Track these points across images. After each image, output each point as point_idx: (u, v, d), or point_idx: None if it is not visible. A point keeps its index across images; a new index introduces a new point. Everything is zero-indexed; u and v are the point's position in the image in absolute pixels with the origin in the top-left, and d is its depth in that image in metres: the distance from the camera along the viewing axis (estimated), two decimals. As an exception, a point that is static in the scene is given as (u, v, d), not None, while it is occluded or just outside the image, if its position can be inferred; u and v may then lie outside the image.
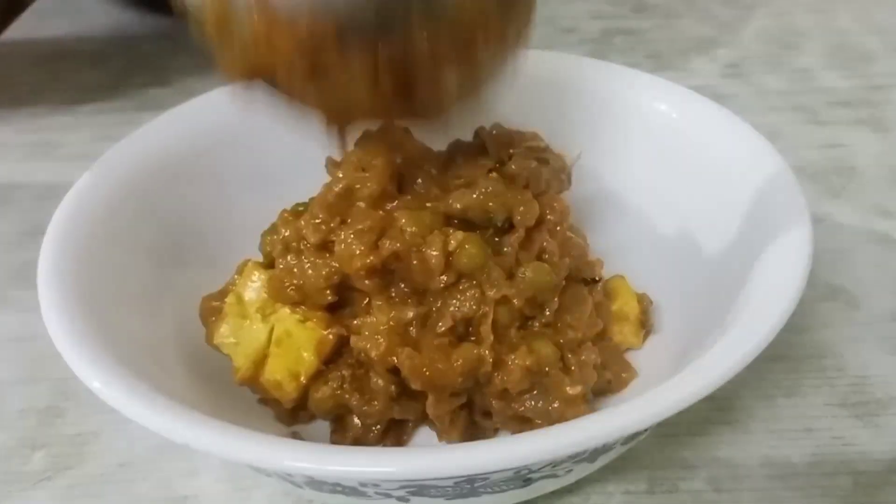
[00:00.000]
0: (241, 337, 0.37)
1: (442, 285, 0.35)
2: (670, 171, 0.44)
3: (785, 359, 0.42)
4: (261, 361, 0.37)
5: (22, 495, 0.38)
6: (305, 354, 0.36)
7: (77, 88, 0.69)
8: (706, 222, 0.41)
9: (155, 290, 0.39)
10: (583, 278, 0.39)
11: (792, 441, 0.38)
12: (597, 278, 0.40)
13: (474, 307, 0.35)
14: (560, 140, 0.41)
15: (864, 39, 0.71)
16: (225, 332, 0.37)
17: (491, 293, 0.35)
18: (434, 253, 0.34)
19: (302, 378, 0.36)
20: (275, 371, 0.36)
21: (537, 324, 0.36)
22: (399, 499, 0.31)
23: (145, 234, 0.40)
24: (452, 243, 0.35)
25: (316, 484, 0.31)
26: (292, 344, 0.36)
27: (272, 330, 0.37)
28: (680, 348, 0.38)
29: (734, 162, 0.40)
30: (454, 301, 0.35)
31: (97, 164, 0.40)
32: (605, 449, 0.32)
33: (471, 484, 0.30)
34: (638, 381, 0.39)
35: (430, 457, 0.27)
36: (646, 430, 0.33)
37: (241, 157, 0.44)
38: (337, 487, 0.31)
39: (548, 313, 0.36)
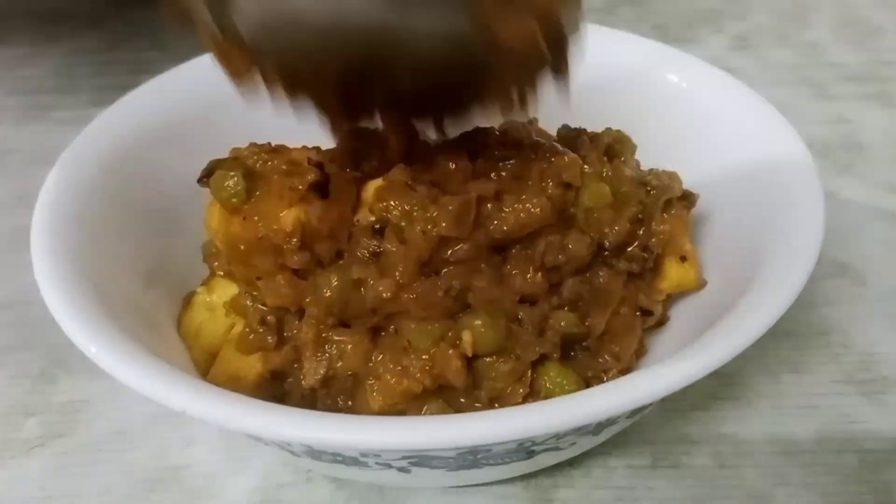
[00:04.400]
0: (202, 329, 0.36)
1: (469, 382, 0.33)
2: (680, 144, 0.43)
3: (791, 335, 0.42)
4: (215, 354, 0.36)
5: (14, 462, 0.37)
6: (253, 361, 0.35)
7: (72, 52, 0.68)
8: (717, 197, 0.40)
9: (151, 255, 0.38)
10: (640, 307, 0.37)
11: (797, 418, 0.38)
12: (654, 312, 0.38)
13: (510, 380, 0.33)
14: (569, 109, 0.40)
15: (873, 14, 0.70)
16: (188, 323, 0.36)
17: (526, 357, 0.33)
18: (457, 363, 0.32)
19: (244, 385, 0.34)
20: (218, 374, 0.35)
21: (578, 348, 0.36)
22: (400, 469, 0.31)
23: (141, 198, 0.39)
24: (465, 344, 0.33)
25: (315, 453, 0.30)
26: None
27: (231, 327, 0.36)
28: (689, 323, 0.37)
29: (748, 136, 0.39)
30: (488, 382, 0.34)
31: (90, 126, 0.39)
32: (609, 422, 0.32)
33: (473, 455, 0.30)
34: (646, 357, 0.38)
35: (432, 427, 0.27)
36: (650, 405, 0.32)
37: (238, 120, 0.43)
38: (337, 457, 0.30)
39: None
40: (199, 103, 0.43)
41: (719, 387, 0.39)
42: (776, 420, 0.38)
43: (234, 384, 0.34)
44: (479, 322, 0.33)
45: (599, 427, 0.31)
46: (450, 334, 0.33)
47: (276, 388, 0.35)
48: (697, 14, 0.71)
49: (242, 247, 0.34)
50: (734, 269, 0.36)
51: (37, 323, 0.42)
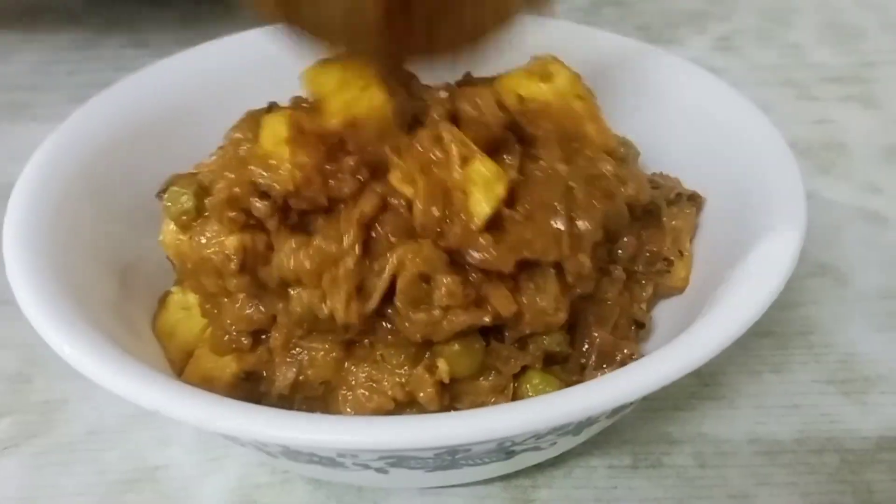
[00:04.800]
0: (177, 329, 0.36)
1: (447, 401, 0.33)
2: (662, 143, 0.43)
3: (772, 335, 0.42)
4: (190, 354, 0.35)
5: (-13, 463, 0.37)
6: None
7: (52, 48, 0.67)
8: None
9: (126, 254, 0.37)
10: (634, 320, 0.37)
11: (778, 417, 0.38)
12: (645, 324, 0.38)
13: (491, 395, 0.33)
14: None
15: (856, 15, 0.70)
16: (163, 322, 0.36)
17: (507, 371, 0.33)
18: (429, 391, 0.32)
19: (218, 385, 0.34)
20: (192, 374, 0.35)
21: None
22: (377, 470, 0.30)
23: (116, 196, 0.38)
24: (441, 372, 0.32)
25: (291, 454, 0.30)
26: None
27: (206, 327, 0.35)
28: (670, 323, 0.37)
29: (730, 136, 0.39)
30: (467, 397, 0.33)
31: (66, 123, 0.39)
32: (589, 422, 0.31)
33: (452, 456, 0.29)
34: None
35: (409, 428, 0.26)
36: (631, 404, 0.32)
37: (218, 117, 0.42)
38: (313, 458, 0.30)
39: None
40: (177, 100, 0.42)
41: (700, 386, 0.39)
42: (757, 420, 0.38)
43: (208, 384, 0.33)
44: (455, 349, 0.32)
45: (580, 427, 0.31)
46: (427, 356, 0.32)
47: (251, 388, 0.34)
48: (681, 15, 0.71)
49: (190, 265, 0.34)
50: (715, 269, 0.36)
51: (11, 322, 0.42)
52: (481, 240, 0.31)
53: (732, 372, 0.40)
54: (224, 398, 0.28)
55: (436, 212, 0.31)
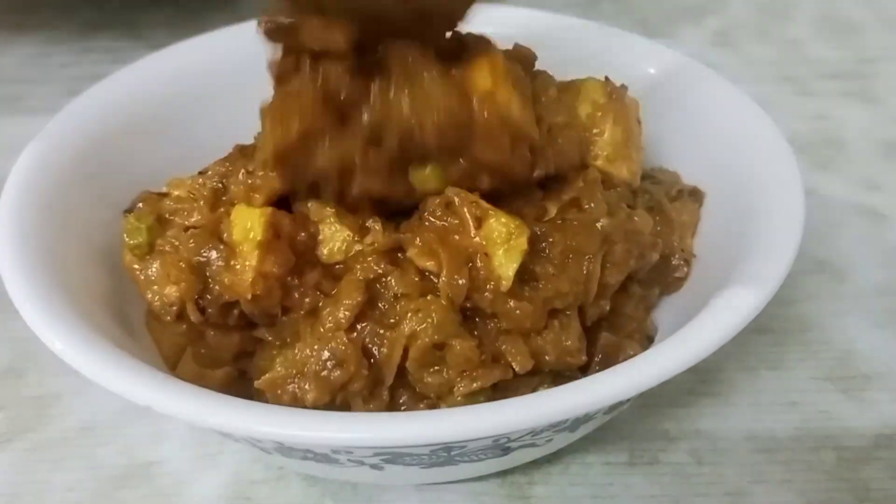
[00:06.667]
0: (170, 325, 0.35)
1: None
2: (659, 138, 0.42)
3: (770, 331, 0.41)
4: (183, 350, 0.35)
5: (-21, 458, 0.36)
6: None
7: (46, 41, 0.67)
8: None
9: (120, 248, 0.37)
10: (647, 335, 0.37)
11: (776, 414, 0.38)
12: (654, 338, 0.37)
13: None
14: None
15: (854, 11, 0.70)
16: (151, 325, 0.36)
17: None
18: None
19: (211, 381, 0.34)
20: (185, 370, 0.34)
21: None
22: (373, 467, 0.30)
23: (111, 188, 0.38)
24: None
25: (286, 450, 0.30)
26: None
27: None
28: (668, 320, 0.37)
29: (728, 132, 0.39)
30: None
31: (61, 114, 0.39)
32: (586, 418, 0.31)
33: (447, 452, 0.29)
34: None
35: (406, 424, 0.26)
36: (628, 401, 0.32)
37: (211, 109, 0.42)
38: (308, 454, 0.29)
39: None
40: (171, 92, 0.42)
41: (697, 383, 0.39)
42: (754, 417, 0.38)
43: (201, 381, 0.33)
44: (459, 400, 0.31)
45: (576, 423, 0.31)
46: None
47: (243, 385, 0.34)
48: (678, 9, 0.71)
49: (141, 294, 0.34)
50: (713, 265, 0.36)
51: (4, 316, 0.41)
52: (513, 305, 0.31)
53: (729, 369, 0.40)
54: (216, 394, 0.27)
55: (462, 282, 0.30)
